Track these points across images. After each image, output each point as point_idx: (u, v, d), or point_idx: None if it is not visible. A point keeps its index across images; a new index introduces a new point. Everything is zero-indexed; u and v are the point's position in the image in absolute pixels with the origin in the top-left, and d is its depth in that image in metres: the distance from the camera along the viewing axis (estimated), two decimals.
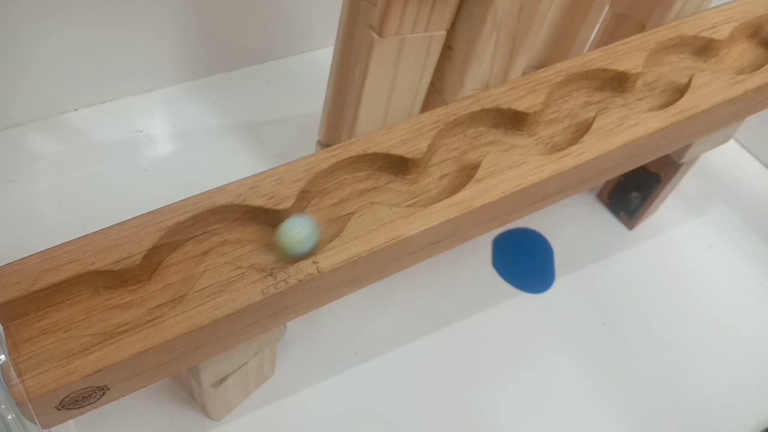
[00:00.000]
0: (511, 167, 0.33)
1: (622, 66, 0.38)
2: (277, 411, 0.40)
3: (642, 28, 0.44)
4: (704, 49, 0.41)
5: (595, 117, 0.36)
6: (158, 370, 0.28)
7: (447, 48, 0.39)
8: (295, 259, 0.29)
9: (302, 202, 0.31)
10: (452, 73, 0.39)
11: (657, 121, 0.36)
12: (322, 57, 0.53)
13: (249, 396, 0.40)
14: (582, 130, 0.36)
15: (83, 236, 0.28)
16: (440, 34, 0.37)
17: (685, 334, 0.47)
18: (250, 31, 0.57)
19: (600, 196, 0.54)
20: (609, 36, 0.46)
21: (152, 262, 0.29)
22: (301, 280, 0.28)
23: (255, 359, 0.36)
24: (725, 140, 0.47)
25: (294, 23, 0.58)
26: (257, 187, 0.30)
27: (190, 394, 0.39)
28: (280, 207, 0.30)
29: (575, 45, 0.46)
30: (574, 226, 0.52)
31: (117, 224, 0.29)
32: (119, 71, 0.53)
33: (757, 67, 0.41)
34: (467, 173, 0.33)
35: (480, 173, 0.33)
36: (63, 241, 0.28)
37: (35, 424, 0.26)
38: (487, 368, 0.44)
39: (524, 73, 0.41)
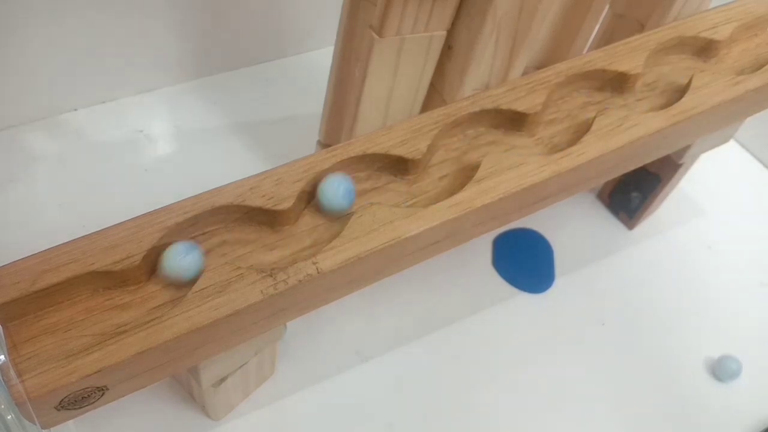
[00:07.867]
0: (510, 168, 0.33)
1: (622, 66, 0.38)
2: (277, 411, 0.40)
3: (642, 28, 0.44)
4: (704, 49, 0.41)
5: (595, 117, 0.36)
6: (158, 371, 0.28)
7: (447, 48, 0.39)
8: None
9: (302, 202, 0.31)
10: (452, 73, 0.39)
11: (657, 121, 0.36)
12: (322, 57, 0.53)
13: (249, 396, 0.40)
14: (582, 130, 0.36)
15: (83, 236, 0.28)
16: (440, 34, 0.37)
17: (684, 333, 0.47)
18: (250, 31, 0.57)
19: (600, 196, 0.54)
20: (609, 36, 0.46)
21: (152, 262, 0.29)
22: (300, 281, 0.28)
23: (255, 359, 0.36)
24: (725, 140, 0.47)
25: (294, 23, 0.58)
26: (257, 188, 0.30)
27: (190, 394, 0.39)
28: (280, 207, 0.30)
29: (575, 45, 0.46)
30: (574, 226, 0.52)
31: (117, 224, 0.29)
32: (119, 71, 0.53)
33: (757, 67, 0.41)
34: (467, 174, 0.33)
35: (480, 174, 0.33)
36: (63, 242, 0.28)
37: (35, 424, 0.26)
38: (487, 368, 0.44)
39: (524, 73, 0.41)
